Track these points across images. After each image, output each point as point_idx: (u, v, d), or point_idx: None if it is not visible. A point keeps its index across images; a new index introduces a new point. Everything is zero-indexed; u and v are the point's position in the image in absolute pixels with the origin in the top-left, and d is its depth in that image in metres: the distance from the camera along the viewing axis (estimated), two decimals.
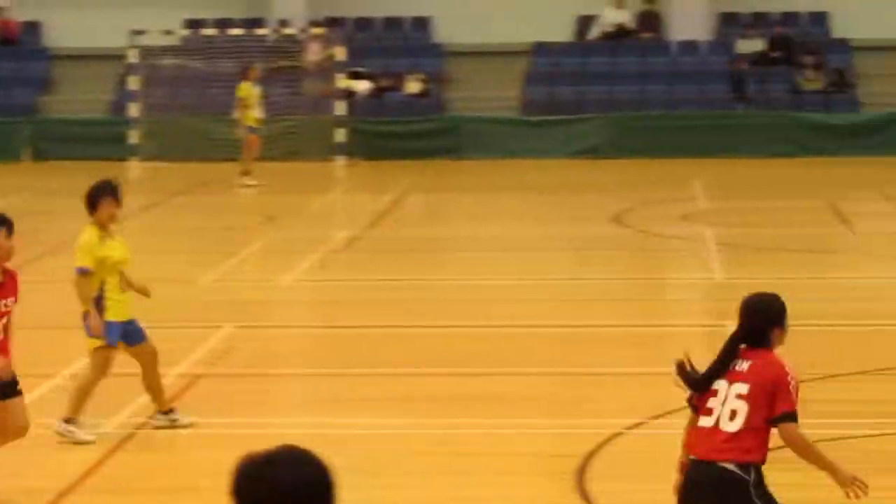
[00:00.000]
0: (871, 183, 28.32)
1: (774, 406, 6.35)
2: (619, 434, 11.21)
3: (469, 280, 19.91)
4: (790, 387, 6.44)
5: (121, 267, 10.72)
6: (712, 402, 6.48)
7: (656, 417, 11.40)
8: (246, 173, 29.56)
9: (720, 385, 6.48)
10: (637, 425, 11.25)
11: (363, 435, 11.01)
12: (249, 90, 29.89)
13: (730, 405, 6.41)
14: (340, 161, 31.79)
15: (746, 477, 6.31)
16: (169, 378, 12.06)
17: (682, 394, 8.81)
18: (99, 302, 10.54)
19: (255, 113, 29.93)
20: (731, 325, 14.31)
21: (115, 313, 10.65)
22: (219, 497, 3.39)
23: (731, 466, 6.33)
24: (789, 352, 7.07)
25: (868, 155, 31.16)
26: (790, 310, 8.17)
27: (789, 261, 20.39)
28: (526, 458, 10.74)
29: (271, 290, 18.97)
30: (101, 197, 10.55)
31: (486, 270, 20.48)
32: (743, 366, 6.52)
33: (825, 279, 19.51)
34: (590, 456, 10.60)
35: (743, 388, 6.43)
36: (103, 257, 10.53)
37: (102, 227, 10.66)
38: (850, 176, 29.55)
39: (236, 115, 29.89)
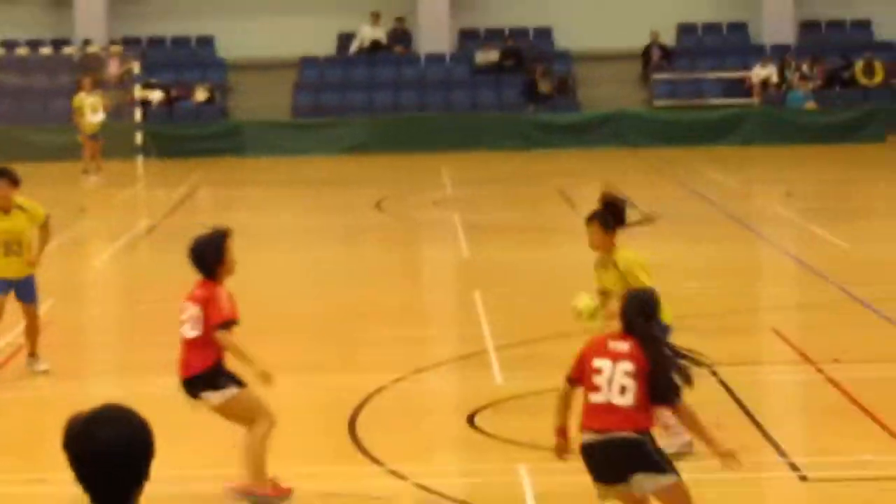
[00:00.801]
0: (592, 172, 30.25)
1: (653, 389, 7.33)
2: (383, 387, 12.51)
3: (252, 260, 19.31)
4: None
5: None
6: (598, 380, 7.26)
7: (416, 373, 12.82)
8: (86, 171, 32.10)
9: (603, 364, 7.24)
10: (398, 380, 12.43)
11: (164, 395, 11.24)
12: (82, 100, 32.63)
13: (619, 382, 7.20)
14: (140, 160, 34.66)
15: (644, 438, 7.23)
16: None
17: (432, 352, 11.99)
18: None
19: (89, 119, 32.49)
20: (478, 294, 14.95)
21: None
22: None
23: (630, 435, 7.22)
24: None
25: (589, 148, 34.91)
26: (530, 282, 11.72)
27: (524, 239, 23.08)
28: (303, 413, 11.74)
29: (85, 270, 21.09)
30: None
31: (267, 252, 21.67)
32: (623, 346, 7.30)
33: (553, 255, 21.85)
34: (360, 407, 11.82)
35: (629, 366, 7.23)
36: None
37: None
38: (574, 166, 33.12)
39: (75, 122, 32.62)
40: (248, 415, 9.10)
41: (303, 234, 24.52)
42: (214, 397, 9.05)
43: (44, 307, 15.08)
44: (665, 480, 7.35)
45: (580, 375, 7.24)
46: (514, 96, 38.50)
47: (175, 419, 10.20)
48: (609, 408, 7.15)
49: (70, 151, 33.45)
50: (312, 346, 14.87)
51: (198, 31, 40.02)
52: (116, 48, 37.78)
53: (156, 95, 37.55)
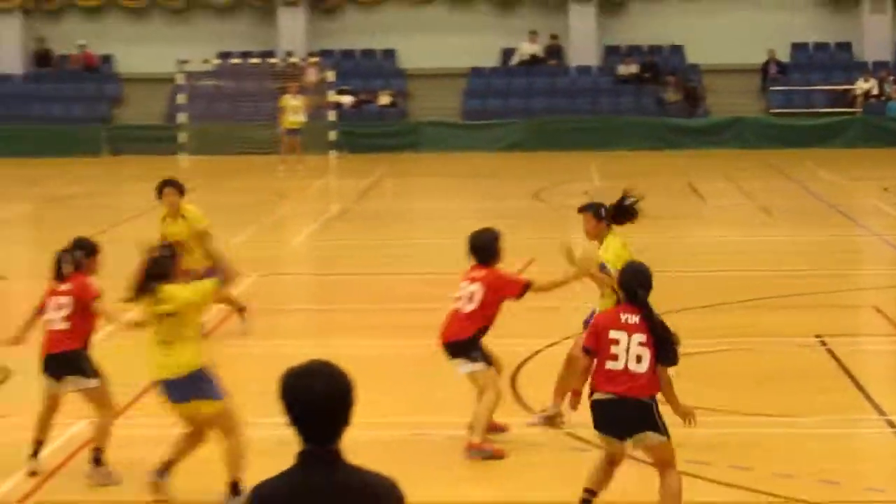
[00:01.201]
0: (717, 169, 35.13)
1: (660, 352, 8.02)
2: (538, 351, 13.51)
3: (426, 239, 23.82)
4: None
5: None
6: (616, 349, 7.92)
7: (566, 339, 12.77)
8: (284, 163, 35.94)
9: (619, 335, 7.88)
10: (551, 345, 13.20)
11: (358, 354, 12.33)
12: (287, 102, 36.88)
13: (635, 352, 7.88)
14: (333, 154, 38.88)
15: (653, 402, 7.93)
16: (211, 312, 13.88)
17: (580, 321, 11.29)
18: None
19: (290, 118, 36.62)
20: None
21: None
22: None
23: (645, 399, 7.89)
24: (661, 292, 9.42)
25: (714, 149, 38.58)
26: (666, 261, 13.32)
27: (659, 224, 22.17)
28: None
29: (285, 248, 23.10)
30: (162, 188, 14.57)
31: (438, 232, 23.81)
32: (634, 319, 7.95)
33: (685, 238, 24.51)
34: (519, 367, 12.81)
35: (642, 337, 7.90)
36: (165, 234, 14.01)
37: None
38: (700, 164, 36.19)
39: (280, 120, 37.11)
40: (485, 386, 9.95)
41: (468, 218, 24.02)
42: (465, 367, 10.03)
43: (248, 280, 16.76)
44: (664, 440, 8.15)
45: (597, 346, 8.04)
46: (651, 103, 42.16)
47: (367, 374, 9.52)
48: (627, 374, 7.90)
49: (275, 145, 37.40)
50: None
51: (383, 45, 44.57)
52: (314, 59, 42.17)
53: (347, 100, 41.88)
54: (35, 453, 9.92)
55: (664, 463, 8.18)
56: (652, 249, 16.93)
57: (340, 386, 3.78)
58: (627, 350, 7.80)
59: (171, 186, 15.92)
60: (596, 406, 8.07)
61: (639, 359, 7.78)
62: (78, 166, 38.18)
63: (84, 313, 9.88)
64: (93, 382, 9.87)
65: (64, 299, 9.85)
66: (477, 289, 9.85)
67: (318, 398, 3.72)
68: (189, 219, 15.69)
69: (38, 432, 10.05)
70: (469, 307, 9.91)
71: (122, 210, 29.72)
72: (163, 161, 36.39)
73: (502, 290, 10.06)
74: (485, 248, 10.38)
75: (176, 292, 8.95)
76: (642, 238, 20.10)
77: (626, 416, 7.91)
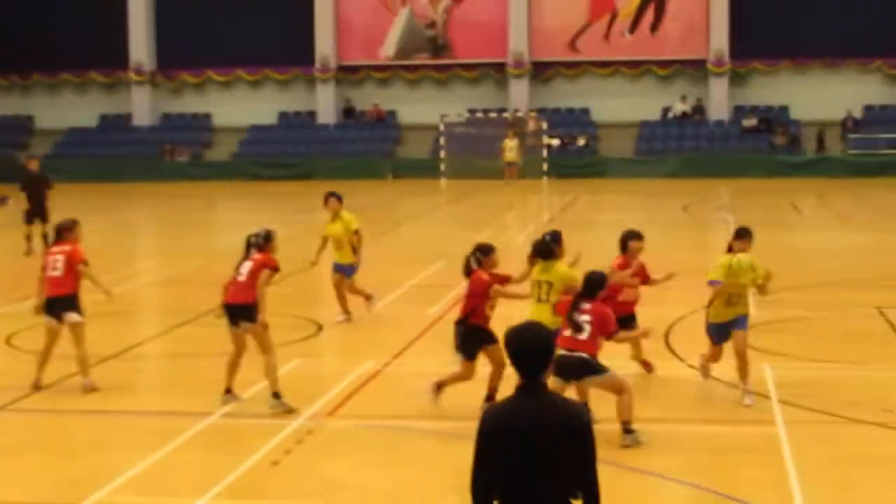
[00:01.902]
0: (811, 191, 39.84)
1: (606, 329, 10.83)
2: (682, 316, 16.15)
3: (608, 240, 20.66)
4: (611, 318, 10.90)
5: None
6: (571, 322, 10.77)
7: (703, 308, 13.67)
8: (507, 185, 41.70)
9: (577, 316, 10.78)
10: (692, 312, 15.49)
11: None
12: (506, 143, 44.48)
13: (583, 326, 10.73)
14: (544, 179, 46.31)
15: (592, 359, 10.71)
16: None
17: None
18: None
19: (509, 155, 44.29)
20: None
21: None
22: None
23: (585, 356, 10.67)
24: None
25: (808, 178, 44.47)
26: (777, 255, 17.19)
27: (770, 230, 24.68)
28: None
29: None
30: (327, 198, 16.99)
31: (615, 235, 20.21)
32: (587, 306, 10.84)
33: (789, 239, 26.90)
34: (671, 327, 15.60)
35: (587, 317, 10.80)
36: None
37: None
38: (799, 188, 40.64)
39: (500, 155, 44.22)
40: (635, 341, 12.73)
41: (637, 223, 21.57)
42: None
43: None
44: (604, 376, 10.79)
45: (563, 316, 10.93)
46: (765, 146, 48.46)
47: None
48: (575, 340, 10.72)
49: (501, 173, 44.57)
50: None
51: (581, 104, 51.80)
52: (533, 114, 49.69)
53: (555, 142, 48.74)
54: None
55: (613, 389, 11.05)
56: (766, 245, 18.21)
57: (545, 337, 5.53)
58: (578, 324, 10.79)
59: (333, 197, 17.81)
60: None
61: (582, 330, 10.66)
62: (371, 186, 43.11)
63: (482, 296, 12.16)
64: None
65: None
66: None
67: (529, 345, 5.38)
68: (345, 221, 17.66)
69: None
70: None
71: (400, 215, 35.75)
72: (429, 183, 45.87)
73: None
74: (546, 249, 12.44)
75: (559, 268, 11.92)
76: (760, 237, 18.13)
77: (573, 365, 10.62)
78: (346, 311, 17.53)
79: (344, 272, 17.49)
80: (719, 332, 12.60)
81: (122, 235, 31.74)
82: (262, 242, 12.89)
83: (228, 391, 13.00)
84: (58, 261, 13.99)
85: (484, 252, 12.45)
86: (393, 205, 38.66)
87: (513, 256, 17.74)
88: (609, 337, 10.96)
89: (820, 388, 13.06)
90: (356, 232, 17.35)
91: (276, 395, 12.67)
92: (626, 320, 12.41)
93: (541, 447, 5.23)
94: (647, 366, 13.52)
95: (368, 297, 17.57)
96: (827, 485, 10.06)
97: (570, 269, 12.23)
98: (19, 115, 54.93)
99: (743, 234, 12.68)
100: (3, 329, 18.05)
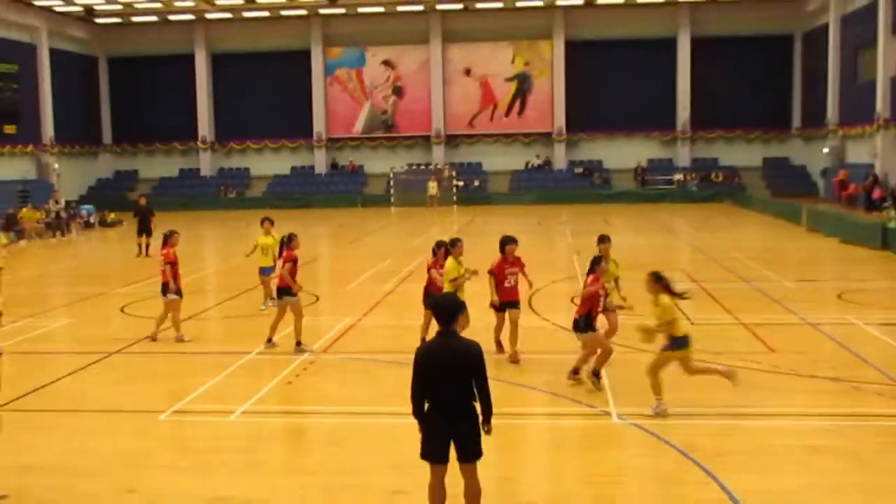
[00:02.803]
0: (616, 212, 40.07)
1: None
2: None
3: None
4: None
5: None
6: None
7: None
8: (430, 210, 43.11)
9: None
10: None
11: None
12: (430, 184, 47.04)
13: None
14: (454, 207, 46.75)
15: (579, 321, 10.48)
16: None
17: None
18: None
19: (431, 192, 46.34)
20: None
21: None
22: None
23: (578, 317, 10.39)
24: None
25: (614, 203, 46.59)
26: None
27: None
28: None
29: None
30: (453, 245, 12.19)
31: None
32: (588, 279, 10.60)
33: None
34: None
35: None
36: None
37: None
38: (609, 210, 41.57)
39: (427, 192, 46.48)
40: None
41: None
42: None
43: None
44: (584, 336, 10.22)
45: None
46: (589, 184, 50.78)
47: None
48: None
49: (426, 202, 46.92)
50: None
51: (475, 160, 53.94)
52: (447, 166, 51.14)
53: (460, 183, 50.25)
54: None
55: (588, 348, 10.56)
56: (588, 244, 15.94)
57: (452, 303, 6.17)
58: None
59: (267, 220, 16.91)
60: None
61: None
62: (347, 212, 45.20)
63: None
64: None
65: None
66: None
67: (444, 307, 6.18)
68: (275, 237, 16.66)
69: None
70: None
71: (366, 229, 35.84)
72: (384, 210, 47.49)
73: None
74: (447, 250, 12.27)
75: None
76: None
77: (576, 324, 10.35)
78: (272, 299, 16.40)
79: (266, 273, 17.08)
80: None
81: (196, 243, 31.75)
82: (287, 242, 13.39)
83: (270, 340, 13.53)
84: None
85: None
86: (362, 223, 39.16)
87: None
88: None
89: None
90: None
91: (299, 343, 13.23)
92: (512, 305, 11.83)
93: (452, 367, 6.14)
94: (500, 347, 12.46)
95: (272, 298, 16.20)
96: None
97: (455, 264, 11.88)
98: (129, 169, 58.90)
99: (605, 239, 11.80)
100: (120, 301, 18.61)
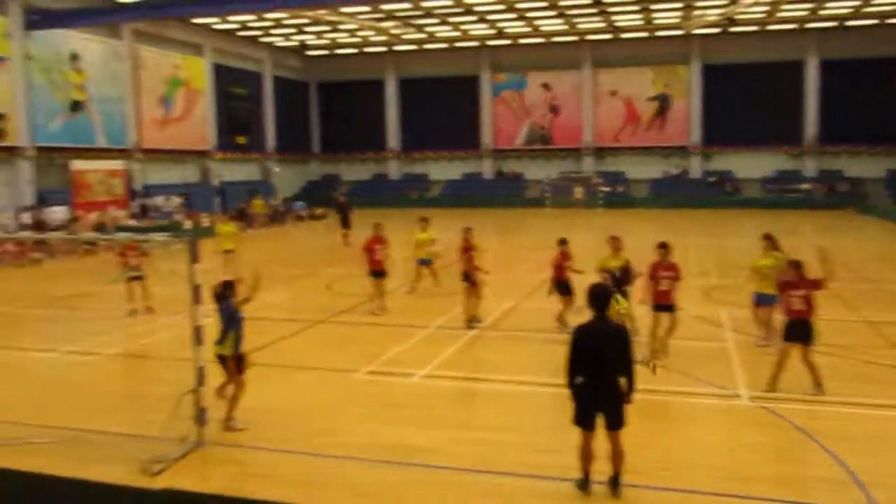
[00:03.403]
0: (746, 216, 36.83)
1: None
2: None
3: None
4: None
5: None
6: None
7: None
8: (577, 211, 44.89)
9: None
10: None
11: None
12: (575, 190, 48.04)
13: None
14: (599, 209, 44.04)
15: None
16: None
17: None
18: None
19: (577, 196, 46.80)
20: None
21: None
22: None
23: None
24: None
25: (743, 209, 42.79)
26: None
27: None
28: None
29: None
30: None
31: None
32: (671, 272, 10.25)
33: (727, 243, 24.86)
34: None
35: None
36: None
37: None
38: (739, 214, 38.60)
39: (572, 196, 45.74)
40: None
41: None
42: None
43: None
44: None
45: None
46: (721, 192, 46.97)
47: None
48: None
49: (573, 204, 47.70)
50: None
51: (620, 169, 50.65)
52: (595, 174, 48.33)
53: (606, 189, 47.39)
54: None
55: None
56: (713, 244, 17.48)
57: (605, 291, 6.06)
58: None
59: (424, 220, 16.46)
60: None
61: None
62: (509, 212, 44.11)
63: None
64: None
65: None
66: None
67: (598, 294, 6.10)
68: (429, 234, 16.74)
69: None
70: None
71: (527, 225, 34.75)
72: (540, 210, 45.13)
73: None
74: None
75: None
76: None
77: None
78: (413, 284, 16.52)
79: (423, 264, 16.79)
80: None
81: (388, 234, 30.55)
82: (467, 236, 13.69)
83: (472, 318, 13.44)
84: (380, 251, 14.99)
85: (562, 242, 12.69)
86: (521, 221, 38.32)
87: (578, 248, 16.55)
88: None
89: None
90: (433, 241, 16.65)
91: (472, 319, 13.42)
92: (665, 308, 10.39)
93: (604, 347, 6.18)
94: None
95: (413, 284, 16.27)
96: None
97: (617, 257, 11.47)
98: (333, 173, 59.97)
99: (769, 238, 11.16)
100: (325, 280, 18.75)
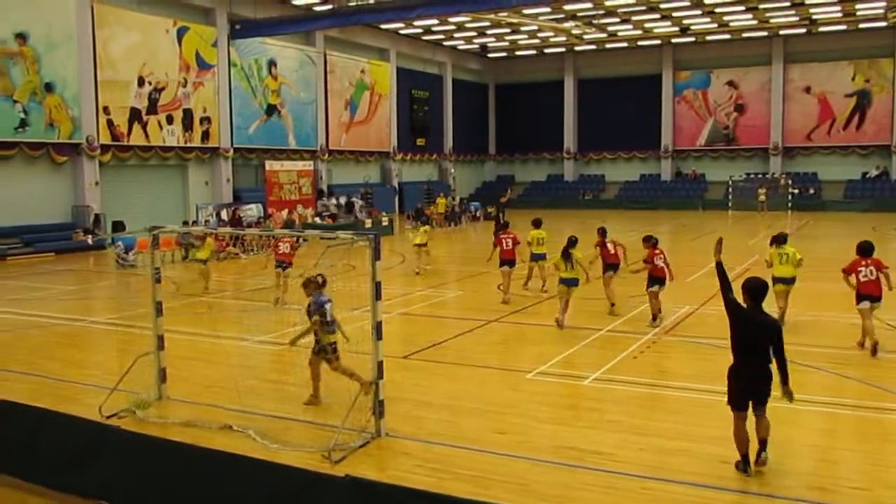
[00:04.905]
0: None
1: None
2: None
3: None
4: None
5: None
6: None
7: None
8: (762, 214, 41.00)
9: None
10: None
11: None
12: (759, 191, 44.70)
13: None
14: (788, 212, 43.20)
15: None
16: None
17: None
18: None
19: (761, 198, 42.87)
20: None
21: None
22: None
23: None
24: None
25: None
26: None
27: None
28: None
29: None
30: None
31: None
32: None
33: None
34: None
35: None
36: None
37: None
38: None
39: (757, 198, 42.89)
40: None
41: (845, 237, 26.33)
42: None
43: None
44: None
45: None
46: None
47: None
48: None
49: (758, 207, 44.69)
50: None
51: (811, 170, 50.12)
52: (783, 175, 47.80)
53: (795, 191, 46.78)
54: None
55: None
56: None
57: (763, 284, 6.70)
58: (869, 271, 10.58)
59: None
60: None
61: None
62: (689, 214, 43.34)
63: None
64: None
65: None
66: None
67: (757, 287, 6.75)
68: (541, 232, 17.40)
69: None
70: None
71: (705, 229, 34.02)
72: (722, 213, 44.90)
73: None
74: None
75: None
76: None
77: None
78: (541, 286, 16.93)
79: (536, 259, 17.61)
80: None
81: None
82: (648, 241, 13.70)
83: (654, 317, 13.59)
84: (509, 241, 15.68)
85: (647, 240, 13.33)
86: (701, 224, 37.96)
87: (759, 247, 18.84)
88: None
89: None
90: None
91: (654, 318, 13.62)
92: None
93: (761, 336, 6.75)
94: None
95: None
96: None
97: (793, 249, 12.32)
98: (508, 174, 61.83)
99: None
100: (497, 280, 17.81)
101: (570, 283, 13.14)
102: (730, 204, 47.43)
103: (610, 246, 14.44)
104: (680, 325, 13.60)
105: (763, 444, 7.12)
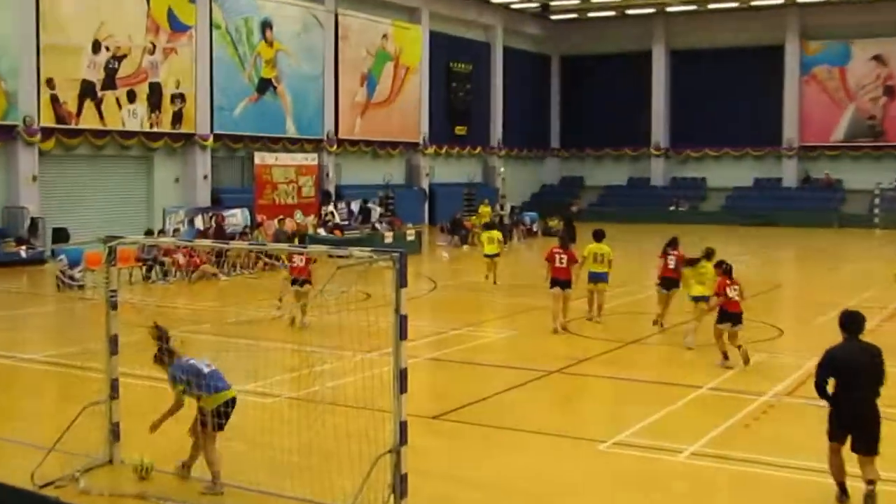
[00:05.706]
0: None
1: None
2: None
3: None
4: None
5: None
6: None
7: None
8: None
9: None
10: None
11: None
12: None
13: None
14: None
15: None
16: None
17: None
18: None
19: None
20: None
21: None
22: None
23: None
24: None
25: None
26: None
27: None
28: None
29: None
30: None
31: None
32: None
33: None
34: None
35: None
36: None
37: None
38: None
39: None
40: None
41: None
42: None
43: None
44: None
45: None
46: None
47: None
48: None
49: None
50: None
51: None
52: None
53: None
54: None
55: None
56: None
57: (861, 317, 8.52)
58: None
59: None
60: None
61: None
62: (821, 233, 44.98)
63: None
64: None
65: None
66: None
67: (857, 318, 8.51)
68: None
69: None
70: None
71: (845, 254, 36.33)
72: (866, 232, 46.65)
73: None
74: None
75: None
76: None
77: None
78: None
79: (602, 279, 18.98)
80: None
81: (640, 259, 30.99)
82: (724, 264, 15.06)
83: (725, 355, 14.75)
84: (563, 258, 17.60)
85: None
86: (839, 246, 39.19)
87: None
88: None
89: None
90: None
91: (725, 356, 14.63)
92: None
93: (867, 368, 8.22)
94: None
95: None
96: None
97: None
98: (575, 175, 63.39)
99: None
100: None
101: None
102: (876, 220, 48.81)
103: (733, 293, 14.81)
104: (807, 384, 13.33)
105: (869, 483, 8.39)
